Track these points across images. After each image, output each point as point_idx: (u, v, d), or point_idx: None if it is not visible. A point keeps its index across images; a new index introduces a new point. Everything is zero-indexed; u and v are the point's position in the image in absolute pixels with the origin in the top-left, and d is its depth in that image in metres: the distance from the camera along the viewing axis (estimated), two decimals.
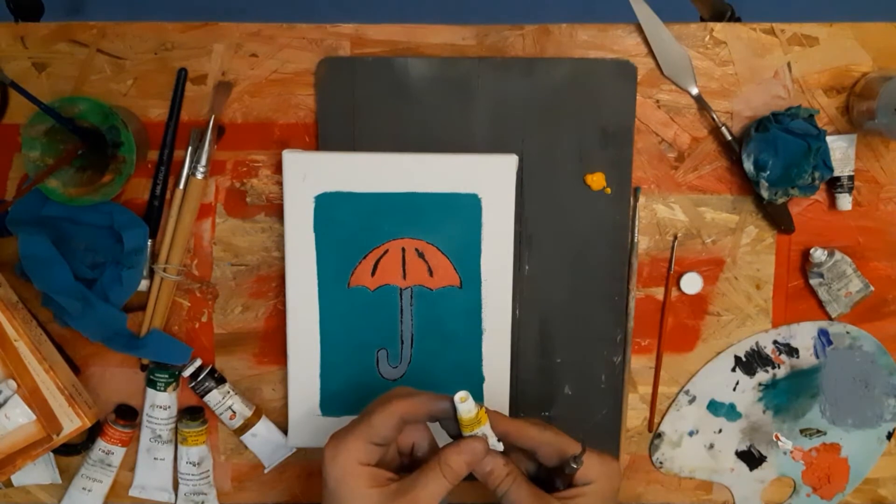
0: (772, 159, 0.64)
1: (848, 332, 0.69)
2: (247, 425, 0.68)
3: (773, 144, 0.64)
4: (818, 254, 0.66)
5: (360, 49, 0.66)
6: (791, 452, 0.70)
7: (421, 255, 0.65)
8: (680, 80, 0.66)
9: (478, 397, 0.67)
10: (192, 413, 0.69)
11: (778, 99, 0.66)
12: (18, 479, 0.69)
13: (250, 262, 0.68)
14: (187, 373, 0.67)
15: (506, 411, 0.67)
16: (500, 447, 0.53)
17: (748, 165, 0.65)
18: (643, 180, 0.67)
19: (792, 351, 0.69)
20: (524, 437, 0.54)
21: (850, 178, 0.66)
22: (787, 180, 0.64)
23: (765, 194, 0.65)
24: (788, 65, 0.66)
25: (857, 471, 0.70)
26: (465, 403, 0.51)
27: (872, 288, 0.67)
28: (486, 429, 0.53)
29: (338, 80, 0.66)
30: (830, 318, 0.68)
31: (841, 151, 0.66)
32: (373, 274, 0.65)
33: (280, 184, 0.66)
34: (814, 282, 0.67)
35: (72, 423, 0.64)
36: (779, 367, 0.69)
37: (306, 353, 0.66)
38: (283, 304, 0.66)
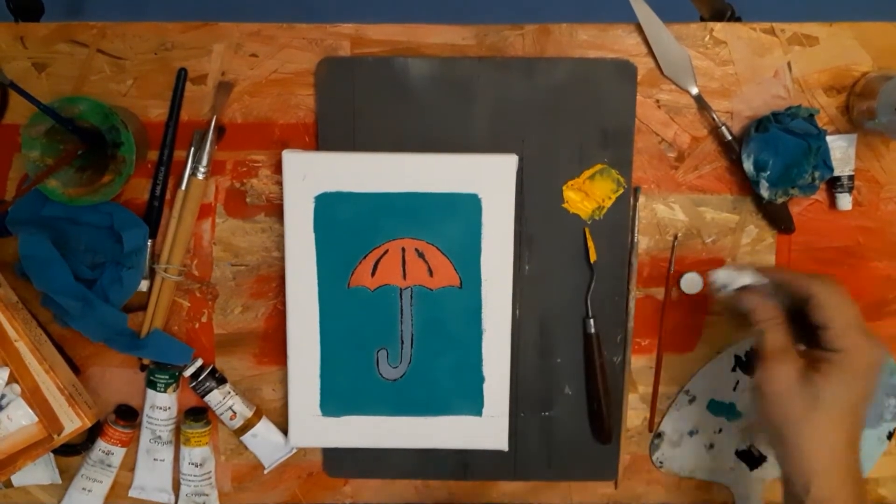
0: (772, 159, 0.64)
1: None
2: (247, 426, 0.68)
3: (773, 144, 0.64)
4: (721, 276, 0.59)
5: (360, 49, 0.66)
6: None
7: (421, 255, 0.65)
8: (680, 79, 0.66)
9: (477, 397, 0.67)
10: (196, 414, 0.69)
11: (778, 99, 0.66)
12: (18, 479, 0.69)
13: (250, 262, 0.68)
14: (188, 373, 0.67)
15: (506, 411, 0.67)
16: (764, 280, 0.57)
17: (748, 165, 0.65)
18: (643, 180, 0.67)
19: None
20: (790, 280, 0.57)
21: (851, 177, 0.66)
22: (787, 180, 0.64)
23: (765, 194, 0.65)
24: (788, 64, 0.66)
25: None
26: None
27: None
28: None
29: (338, 80, 0.66)
30: None
31: (841, 151, 0.66)
32: (373, 274, 0.65)
33: (280, 184, 0.66)
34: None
35: (72, 423, 0.64)
36: None
37: (306, 354, 0.66)
38: (283, 304, 0.66)
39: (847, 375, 0.53)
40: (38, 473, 0.69)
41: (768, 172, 0.64)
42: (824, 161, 0.64)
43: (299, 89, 0.66)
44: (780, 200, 0.66)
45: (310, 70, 0.66)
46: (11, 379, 0.62)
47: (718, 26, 0.66)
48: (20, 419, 0.62)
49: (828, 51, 0.66)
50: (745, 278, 0.57)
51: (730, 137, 0.66)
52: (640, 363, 0.69)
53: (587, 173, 0.66)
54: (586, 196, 0.66)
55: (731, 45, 0.66)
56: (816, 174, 0.64)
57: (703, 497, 0.71)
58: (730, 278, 0.58)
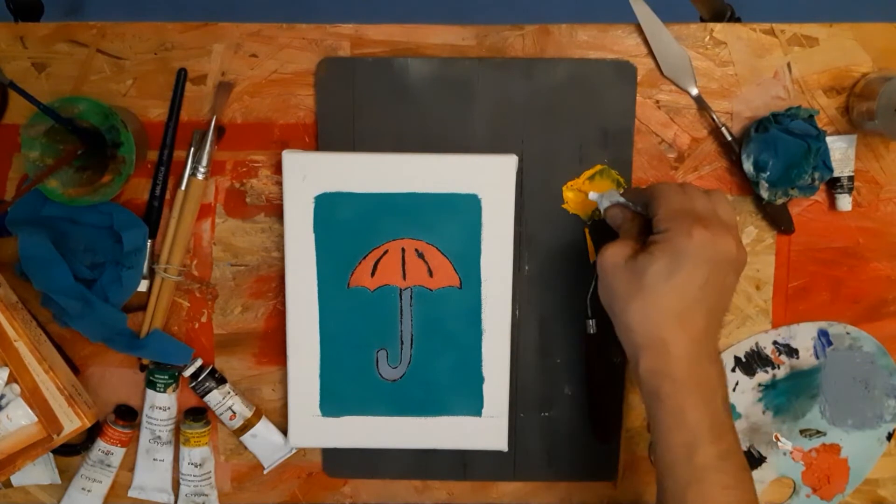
0: (772, 160, 0.64)
1: (848, 333, 0.69)
2: (247, 426, 0.68)
3: (773, 145, 0.64)
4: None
5: (359, 49, 0.66)
6: (791, 453, 0.70)
7: (421, 256, 0.65)
8: (680, 80, 0.66)
9: (477, 398, 0.67)
10: (195, 414, 0.69)
11: (778, 99, 0.66)
12: (18, 479, 0.69)
13: (250, 262, 0.68)
14: (188, 373, 0.67)
15: (505, 412, 0.67)
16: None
17: (748, 166, 0.65)
18: (643, 181, 0.67)
19: (792, 351, 0.69)
20: (638, 191, 0.62)
21: (850, 178, 0.66)
22: (786, 181, 0.64)
23: (765, 195, 0.65)
24: (788, 65, 0.66)
25: (857, 471, 0.70)
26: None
27: None
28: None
29: (338, 81, 0.66)
30: None
31: (841, 152, 0.66)
32: (372, 274, 0.65)
33: (280, 184, 0.66)
34: None
35: (71, 423, 0.64)
36: (778, 368, 0.69)
37: (306, 354, 0.66)
38: (283, 304, 0.66)
39: (669, 253, 0.55)
40: (37, 473, 0.69)
41: (768, 173, 0.64)
42: (824, 162, 0.64)
43: (299, 89, 0.66)
44: (779, 201, 0.66)
45: (310, 70, 0.66)
46: (11, 379, 0.62)
47: (718, 27, 0.66)
48: (20, 419, 0.62)
49: (828, 52, 0.66)
50: (614, 198, 0.62)
51: (729, 138, 0.66)
52: None
53: (587, 174, 0.66)
54: (586, 197, 0.66)
55: (730, 46, 0.66)
56: (816, 175, 0.64)
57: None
58: (600, 199, 0.64)
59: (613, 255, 0.58)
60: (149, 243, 0.67)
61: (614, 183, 0.66)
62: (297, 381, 0.67)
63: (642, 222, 0.60)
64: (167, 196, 0.67)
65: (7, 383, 0.62)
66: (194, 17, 0.66)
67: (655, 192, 0.59)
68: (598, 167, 0.66)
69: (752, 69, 0.66)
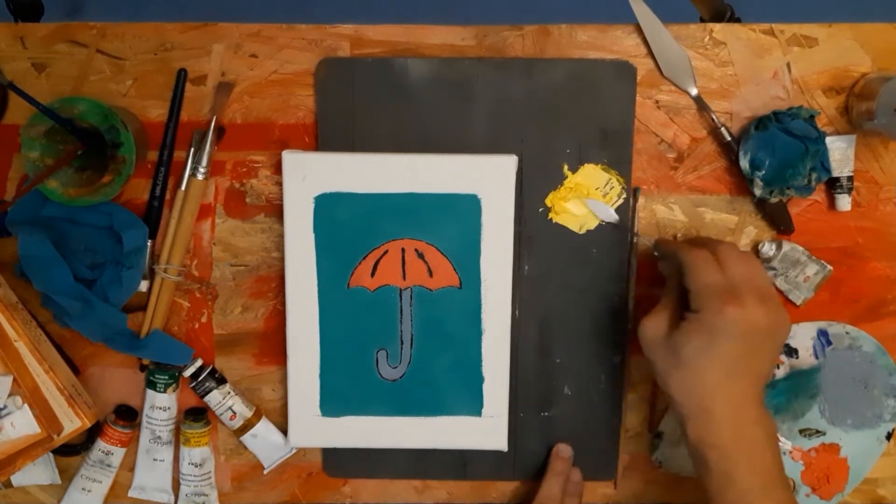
0: (768, 159, 0.64)
1: (847, 333, 0.69)
2: (247, 426, 0.68)
3: (772, 144, 0.64)
4: (766, 248, 0.66)
5: (359, 50, 0.66)
6: (790, 452, 0.70)
7: (420, 256, 0.65)
8: (679, 80, 0.66)
9: (477, 397, 0.67)
10: (196, 414, 0.69)
11: (777, 100, 0.67)
12: (18, 479, 0.69)
13: (250, 262, 0.68)
14: (188, 373, 0.67)
15: (505, 412, 0.67)
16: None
17: (744, 163, 0.65)
18: (643, 181, 0.67)
19: (791, 351, 0.69)
20: (672, 251, 0.62)
21: (850, 178, 0.66)
22: (781, 180, 0.64)
23: (758, 192, 0.65)
24: (788, 65, 0.66)
25: (857, 471, 0.70)
26: None
27: (830, 268, 0.67)
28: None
29: (337, 81, 0.66)
30: (796, 305, 0.68)
31: (840, 152, 0.66)
32: (372, 274, 0.65)
33: (280, 184, 0.66)
34: (769, 275, 0.67)
35: (72, 423, 0.64)
36: (778, 368, 0.69)
37: (306, 354, 0.66)
38: (283, 304, 0.66)
39: (703, 333, 0.56)
40: (37, 473, 0.69)
41: (763, 172, 0.64)
42: (822, 163, 0.64)
43: (299, 90, 0.66)
44: (773, 200, 0.66)
45: (309, 70, 0.66)
46: (14, 391, 0.62)
47: (718, 27, 0.66)
48: (23, 428, 0.63)
49: (827, 52, 0.66)
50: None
51: (729, 138, 0.66)
52: (639, 363, 0.69)
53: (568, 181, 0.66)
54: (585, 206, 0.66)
55: (730, 46, 0.66)
56: (814, 176, 0.64)
57: (702, 496, 0.71)
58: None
59: (651, 330, 0.59)
60: (149, 243, 0.67)
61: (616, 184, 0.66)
62: (297, 381, 0.67)
63: (679, 292, 0.60)
64: (167, 196, 0.67)
65: (11, 396, 0.62)
66: (194, 17, 0.66)
67: (687, 262, 0.58)
68: (599, 167, 0.66)
69: (752, 69, 0.66)
